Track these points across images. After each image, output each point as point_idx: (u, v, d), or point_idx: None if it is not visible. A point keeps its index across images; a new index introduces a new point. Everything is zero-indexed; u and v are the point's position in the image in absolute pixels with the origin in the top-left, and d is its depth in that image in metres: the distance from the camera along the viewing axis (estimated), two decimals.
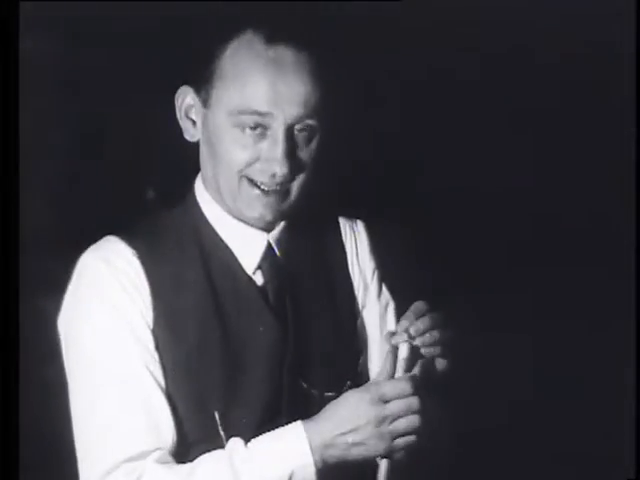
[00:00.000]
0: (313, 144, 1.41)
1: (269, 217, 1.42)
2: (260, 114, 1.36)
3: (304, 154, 1.40)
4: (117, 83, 1.89)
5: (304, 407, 1.42)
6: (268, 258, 1.47)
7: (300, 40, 1.38)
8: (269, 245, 1.47)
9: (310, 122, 1.38)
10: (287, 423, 1.38)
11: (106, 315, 1.38)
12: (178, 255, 1.44)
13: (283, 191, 1.41)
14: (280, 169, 1.37)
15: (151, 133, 1.63)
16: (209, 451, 1.36)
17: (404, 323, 1.40)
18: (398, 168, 2.21)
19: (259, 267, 1.46)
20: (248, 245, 1.46)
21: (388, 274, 1.62)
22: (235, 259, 1.45)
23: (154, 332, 1.38)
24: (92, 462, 1.35)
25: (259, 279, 1.46)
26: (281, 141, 1.37)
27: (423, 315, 1.41)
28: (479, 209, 2.30)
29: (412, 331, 1.39)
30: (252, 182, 1.40)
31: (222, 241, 1.46)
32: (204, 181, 1.47)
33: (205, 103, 1.41)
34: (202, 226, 1.46)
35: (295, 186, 1.41)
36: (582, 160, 2.35)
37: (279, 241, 1.48)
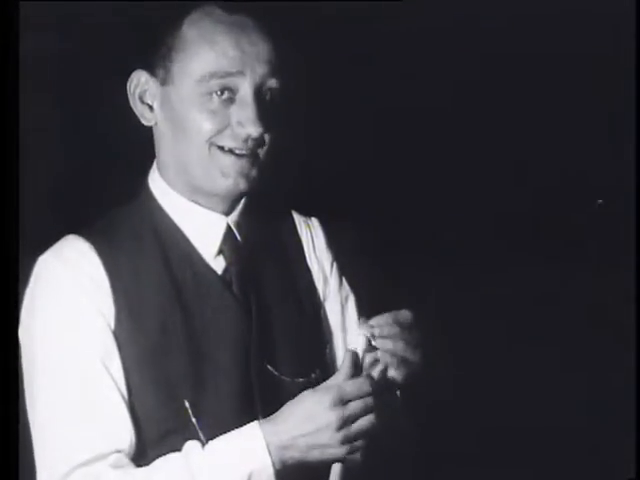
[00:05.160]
0: (278, 108, 1.43)
1: (242, 185, 1.42)
2: (230, 74, 1.38)
3: (272, 117, 1.41)
4: (118, 82, 1.88)
5: (276, 394, 1.42)
6: (229, 242, 1.47)
7: (258, 11, 1.42)
8: (229, 228, 1.47)
9: (275, 83, 1.41)
10: (262, 410, 1.38)
11: (63, 316, 1.37)
12: (136, 247, 1.43)
13: (254, 155, 1.41)
14: (255, 130, 1.38)
15: (152, 132, 1.63)
16: (184, 440, 1.35)
17: (378, 320, 1.39)
18: (354, 165, 2.21)
19: (220, 251, 1.46)
20: (207, 229, 1.46)
21: (344, 269, 1.62)
22: (192, 246, 1.45)
23: (116, 327, 1.37)
24: (48, 466, 1.34)
25: (220, 264, 1.46)
26: (252, 102, 1.39)
27: (399, 325, 1.39)
28: (444, 206, 2.31)
29: (377, 331, 1.38)
30: (223, 149, 1.40)
31: (179, 229, 1.45)
32: (161, 169, 1.47)
33: (164, 81, 1.42)
34: (158, 216, 1.46)
35: (264, 151, 1.42)
36: (580, 159, 2.35)
37: (238, 224, 1.48)
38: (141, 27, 1.52)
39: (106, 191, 1.82)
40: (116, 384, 1.36)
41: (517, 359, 2.35)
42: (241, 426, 1.35)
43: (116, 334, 1.38)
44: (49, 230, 1.52)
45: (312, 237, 1.60)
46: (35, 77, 1.60)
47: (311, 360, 1.50)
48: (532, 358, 2.36)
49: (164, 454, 1.35)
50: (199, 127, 1.39)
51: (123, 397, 1.36)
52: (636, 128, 1.85)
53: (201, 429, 1.38)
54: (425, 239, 2.26)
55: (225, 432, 1.35)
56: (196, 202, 1.45)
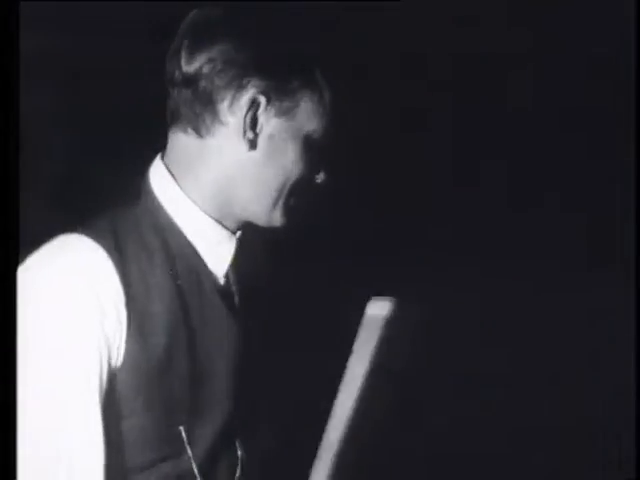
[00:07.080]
0: None
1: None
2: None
3: None
4: (119, 82, 1.89)
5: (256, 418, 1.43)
6: (235, 261, 1.42)
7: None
8: (237, 246, 1.43)
9: None
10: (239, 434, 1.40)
11: (62, 333, 1.28)
12: (144, 258, 1.35)
13: None
14: (325, 175, 1.42)
15: (153, 132, 1.63)
16: (176, 467, 1.35)
17: None
18: None
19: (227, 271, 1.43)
20: (219, 247, 1.40)
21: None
22: (202, 262, 1.40)
23: (127, 346, 1.31)
24: None
25: (227, 284, 1.43)
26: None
27: None
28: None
29: None
30: (296, 189, 1.40)
31: (189, 243, 1.39)
32: (183, 177, 1.39)
33: (285, 113, 1.37)
34: (166, 226, 1.38)
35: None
36: (580, 162, 2.35)
37: (240, 242, 1.43)
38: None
39: (107, 190, 1.82)
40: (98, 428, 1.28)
41: (516, 359, 2.35)
42: (225, 452, 1.38)
43: (125, 350, 1.31)
44: (49, 230, 1.52)
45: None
46: (35, 77, 1.60)
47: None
48: (531, 358, 2.36)
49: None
50: (298, 169, 1.38)
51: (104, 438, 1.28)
52: (636, 128, 1.85)
53: (194, 457, 1.35)
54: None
55: (214, 459, 1.37)
56: (209, 214, 1.39)
